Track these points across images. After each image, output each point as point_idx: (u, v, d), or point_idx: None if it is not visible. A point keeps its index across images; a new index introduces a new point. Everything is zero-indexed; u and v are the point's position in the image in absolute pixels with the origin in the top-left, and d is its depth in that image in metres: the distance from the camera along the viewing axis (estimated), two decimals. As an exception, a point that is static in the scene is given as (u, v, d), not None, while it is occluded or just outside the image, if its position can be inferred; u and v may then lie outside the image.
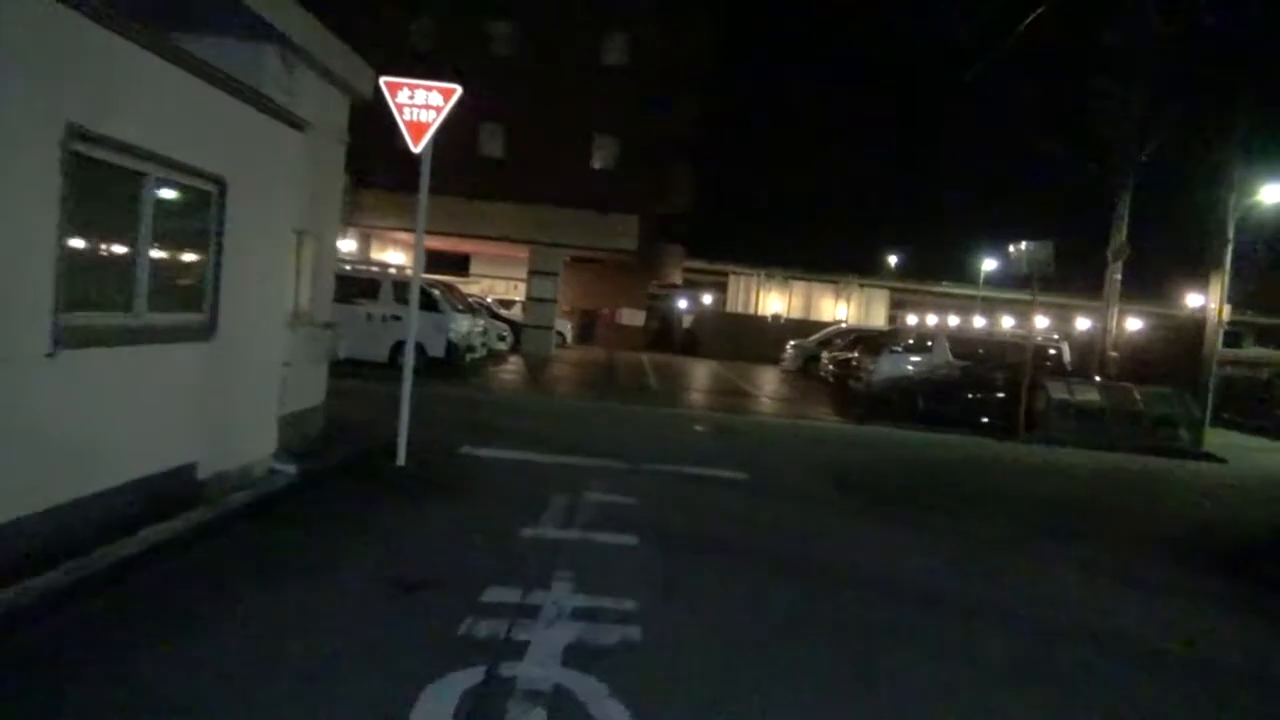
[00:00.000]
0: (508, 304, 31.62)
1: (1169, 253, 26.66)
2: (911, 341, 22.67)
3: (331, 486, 7.75)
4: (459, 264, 38.81)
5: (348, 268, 21.09)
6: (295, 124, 7.55)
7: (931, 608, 5.76)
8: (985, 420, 17.98)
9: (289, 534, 6.18)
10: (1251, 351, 28.03)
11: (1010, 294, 42.75)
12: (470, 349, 19.94)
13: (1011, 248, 17.95)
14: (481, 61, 27.62)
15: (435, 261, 39.11)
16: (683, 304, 44.00)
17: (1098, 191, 22.28)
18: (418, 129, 8.63)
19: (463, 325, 19.21)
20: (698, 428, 14.20)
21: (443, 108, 8.64)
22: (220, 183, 6.44)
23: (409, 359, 8.94)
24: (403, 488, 7.95)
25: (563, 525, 6.82)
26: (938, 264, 47.05)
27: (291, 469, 7.79)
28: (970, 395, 18.76)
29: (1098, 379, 19.79)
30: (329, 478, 8.03)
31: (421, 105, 8.62)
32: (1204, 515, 11.18)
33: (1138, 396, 18.14)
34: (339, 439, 9.39)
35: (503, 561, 5.74)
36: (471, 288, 35.06)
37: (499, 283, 37.89)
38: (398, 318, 18.32)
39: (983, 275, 41.25)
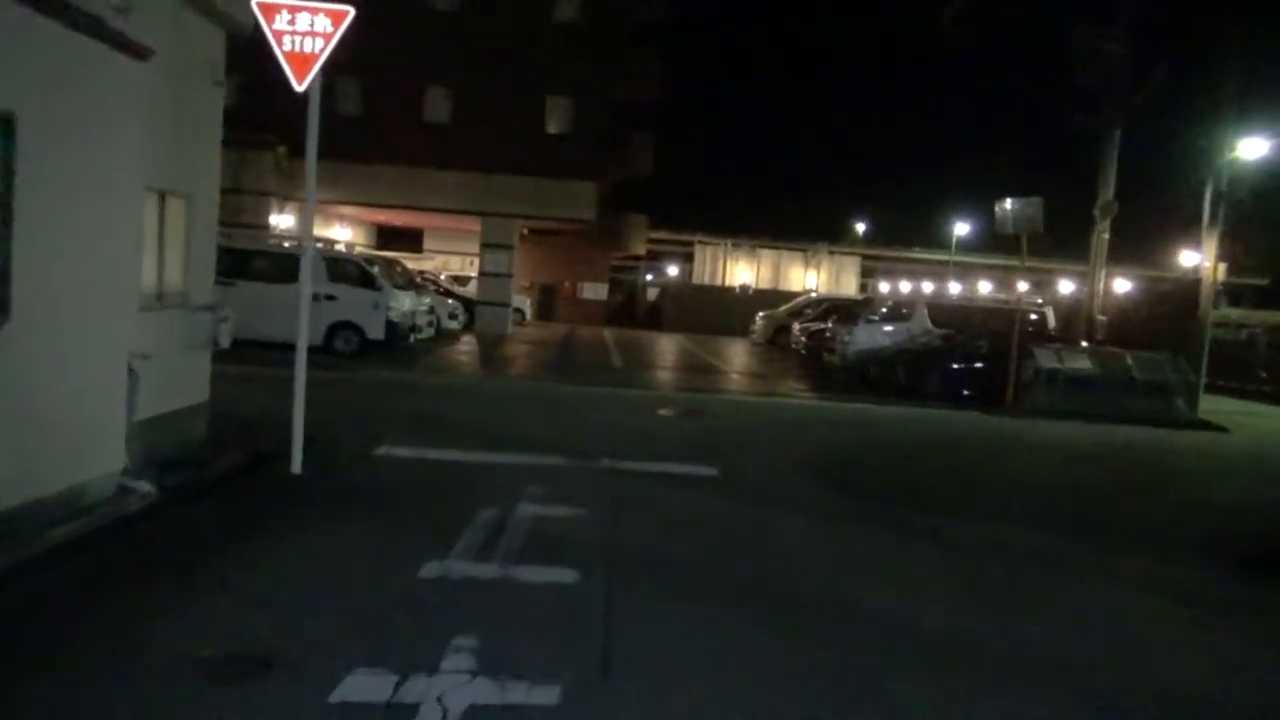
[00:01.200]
0: (463, 280, 29.93)
1: (1156, 211, 25.53)
2: (888, 310, 21.35)
3: (196, 508, 6.19)
4: (412, 239, 37.03)
5: (285, 245, 19.36)
6: (134, 50, 5.91)
7: (963, 668, 4.35)
8: (969, 392, 16.72)
9: (98, 584, 4.63)
10: (1235, 313, 27.06)
11: (984, 258, 41.66)
12: (414, 329, 18.33)
13: (997, 206, 16.61)
14: (422, 18, 25.73)
15: (387, 237, 37.35)
16: (647, 276, 42.48)
17: (1081, 147, 21.01)
18: (301, 62, 7.01)
19: (404, 303, 17.56)
20: (663, 411, 12.75)
21: (332, 35, 7.02)
22: (3, 118, 4.83)
23: (301, 344, 7.36)
24: (288, 506, 6.40)
25: (480, 555, 5.32)
26: (909, 229, 45.82)
27: (147, 487, 6.23)
28: (953, 365, 17.49)
29: (1085, 345, 18.58)
30: (197, 495, 6.47)
31: (305, 32, 6.99)
32: (1232, 500, 9.92)
33: (1130, 363, 16.94)
34: (235, 441, 7.83)
35: (384, 622, 4.24)
36: (425, 264, 33.35)
37: (454, 258, 36.08)
38: (332, 297, 16.69)
39: (955, 239, 40.06)
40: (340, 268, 17.15)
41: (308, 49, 6.98)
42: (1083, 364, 16.74)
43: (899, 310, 21.05)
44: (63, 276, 5.41)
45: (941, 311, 20.84)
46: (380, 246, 35.78)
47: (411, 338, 18.14)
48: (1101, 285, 20.11)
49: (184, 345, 7.43)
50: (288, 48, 6.97)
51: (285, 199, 25.78)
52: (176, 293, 7.37)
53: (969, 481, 9.46)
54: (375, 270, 17.22)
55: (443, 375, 15.69)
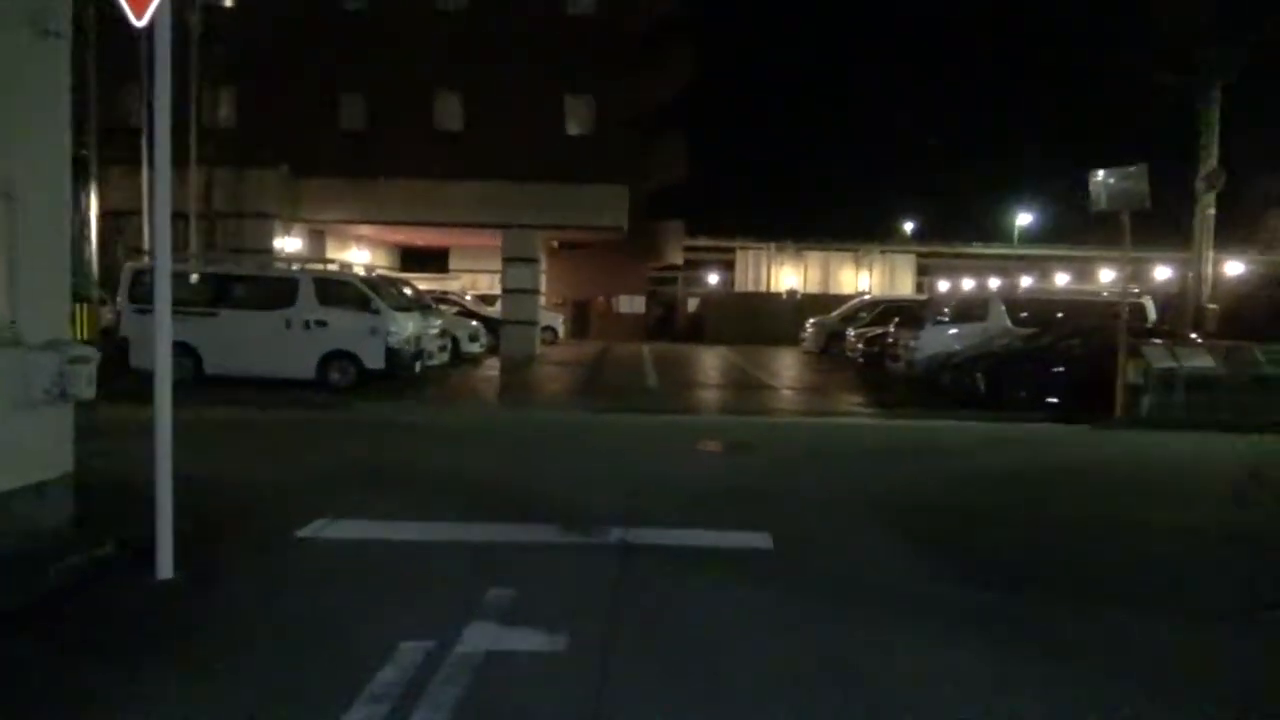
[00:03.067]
0: (490, 300, 27.83)
1: (1269, 183, 22.45)
2: (957, 309, 18.74)
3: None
4: (438, 259, 35.18)
5: (299, 267, 17.41)
6: None
7: None
8: (1061, 400, 14.13)
9: None
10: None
11: (1050, 249, 38.65)
12: (420, 355, 16.19)
13: (1090, 179, 13.95)
14: (426, 20, 23.80)
15: (411, 259, 35.53)
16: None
17: (1172, 115, 18.32)
18: (141, -14, 4.83)
19: (408, 327, 15.44)
20: (701, 445, 10.39)
21: (181, -57, 4.83)
22: None
23: (162, 381, 5.11)
24: (115, 643, 4.17)
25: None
26: (965, 223, 42.90)
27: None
28: (1043, 370, 14.88)
29: (1196, 338, 15.82)
30: (5, 621, 4.29)
31: (145, -58, 4.82)
32: None
33: (1260, 358, 14.16)
34: (113, 528, 5.66)
35: None
36: (451, 284, 31.46)
37: (482, 277, 34.05)
38: (322, 323, 14.66)
39: (1018, 230, 37.03)
40: (331, 289, 15.10)
41: (150, -33, 4.80)
42: (1203, 361, 14.00)
43: (970, 309, 18.44)
44: None
45: (1022, 308, 18.19)
46: (404, 268, 34.02)
47: (418, 365, 16.01)
48: (1210, 269, 17.36)
49: (12, 400, 5.27)
50: (121, -34, 4.80)
51: (290, 220, 23.99)
52: (-4, 326, 5.23)
53: (1134, 539, 6.79)
54: (369, 291, 15.11)
55: (444, 410, 13.50)
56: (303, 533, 5.98)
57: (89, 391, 5.78)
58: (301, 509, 6.54)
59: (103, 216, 19.35)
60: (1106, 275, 33.19)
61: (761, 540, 6.06)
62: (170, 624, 4.45)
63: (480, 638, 4.16)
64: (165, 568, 4.99)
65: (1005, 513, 7.46)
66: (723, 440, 10.65)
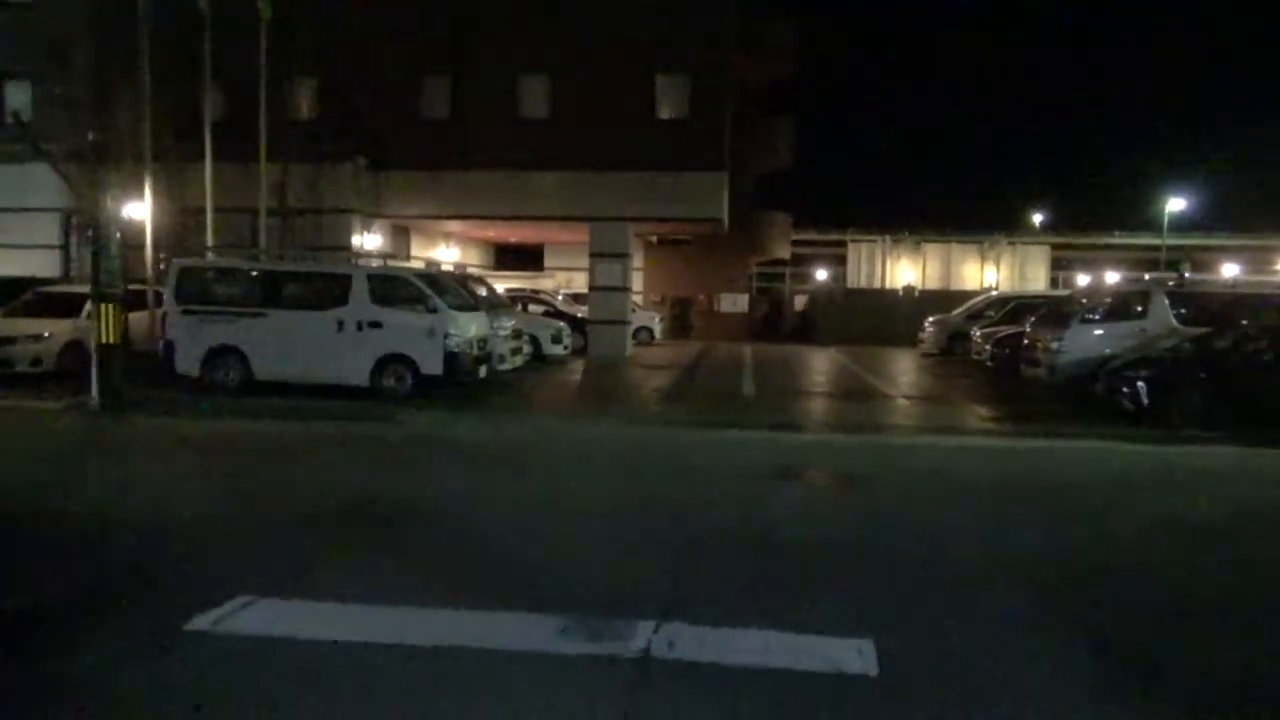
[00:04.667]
0: (584, 299, 26.17)
1: None
2: (1110, 304, 15.90)
3: None
4: (533, 257, 33.86)
5: (320, 263, 16.05)
6: None
7: None
8: (1247, 418, 11.44)
9: None
10: None
11: (1207, 238, 34.53)
12: (487, 359, 14.51)
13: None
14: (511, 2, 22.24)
15: (507, 256, 34.32)
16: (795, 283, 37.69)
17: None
18: None
19: (470, 328, 13.77)
20: (793, 479, 8.27)
21: None
22: None
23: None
24: None
25: None
26: (1103, 211, 38.95)
27: None
28: (1221, 379, 12.14)
29: None
30: None
31: None
32: None
33: None
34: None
35: None
36: (544, 282, 30.05)
37: (577, 275, 32.50)
38: (377, 324, 13.15)
39: (1167, 218, 33.08)
40: (386, 287, 13.55)
41: None
42: None
43: (1126, 304, 15.58)
44: None
45: (1187, 303, 15.24)
46: (498, 267, 32.89)
47: (482, 370, 14.31)
48: None
49: None
50: None
51: (371, 215, 22.83)
52: None
53: None
54: (425, 287, 13.50)
55: (497, 423, 11.71)
56: (195, 623, 4.20)
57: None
58: (230, 575, 4.83)
59: (182, 213, 18.68)
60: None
61: (860, 656, 3.96)
62: None
63: None
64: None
65: (1232, 600, 5.09)
66: (822, 469, 8.50)
